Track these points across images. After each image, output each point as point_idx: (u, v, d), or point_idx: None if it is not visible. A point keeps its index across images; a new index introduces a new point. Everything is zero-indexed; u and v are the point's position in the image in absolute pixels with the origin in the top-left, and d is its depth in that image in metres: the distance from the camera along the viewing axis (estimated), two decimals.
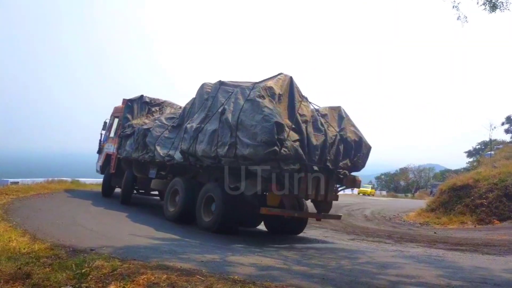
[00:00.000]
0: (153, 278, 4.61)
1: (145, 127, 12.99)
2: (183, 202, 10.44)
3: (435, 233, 14.27)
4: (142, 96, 14.68)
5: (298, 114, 8.77)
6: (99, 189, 16.57)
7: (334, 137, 9.32)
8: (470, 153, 67.14)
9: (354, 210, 20.78)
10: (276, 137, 8.04)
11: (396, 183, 73.47)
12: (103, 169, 15.89)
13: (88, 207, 12.12)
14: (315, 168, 8.87)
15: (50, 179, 18.29)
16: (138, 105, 14.54)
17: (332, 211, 10.49)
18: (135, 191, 14.46)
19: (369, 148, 10.08)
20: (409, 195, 56.61)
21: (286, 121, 8.46)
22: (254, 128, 8.33)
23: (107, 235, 8.07)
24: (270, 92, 8.68)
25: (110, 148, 15.26)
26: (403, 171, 73.48)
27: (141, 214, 11.96)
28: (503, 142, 52.60)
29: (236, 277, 4.94)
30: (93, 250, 6.13)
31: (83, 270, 4.88)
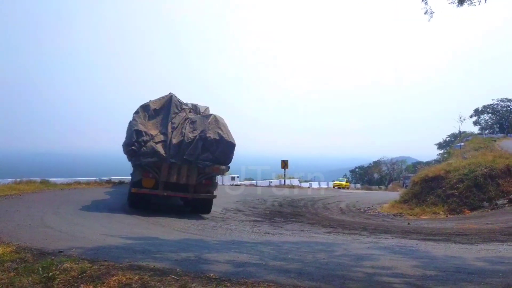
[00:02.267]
0: (124, 279, 4.44)
1: None
2: (129, 188, 13.20)
3: (408, 224, 14.52)
4: None
5: (170, 122, 12.64)
6: (70, 189, 16.50)
7: (193, 137, 12.33)
8: (440, 145, 69.12)
9: (330, 203, 20.93)
10: (134, 140, 11.79)
11: (370, 176, 74.79)
12: None
13: (58, 208, 11.69)
14: (172, 160, 11.99)
15: (18, 179, 17.60)
16: None
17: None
18: None
19: (231, 144, 12.58)
20: (383, 187, 57.63)
21: (160, 128, 12.46)
22: (126, 134, 12.26)
23: (78, 236, 7.78)
24: (146, 109, 12.67)
25: None
26: (377, 164, 74.86)
27: (115, 213, 11.69)
28: (472, 134, 54.31)
29: (211, 275, 4.82)
30: (61, 252, 5.87)
31: (50, 274, 4.65)
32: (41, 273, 4.72)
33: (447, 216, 16.76)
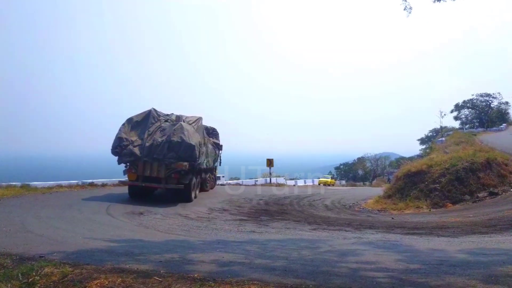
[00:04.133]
0: (107, 283, 4.37)
1: None
2: None
3: (392, 218, 14.67)
4: None
5: (147, 130, 16.00)
6: (51, 192, 16.39)
7: (162, 140, 15.42)
8: (422, 141, 70.08)
9: (315, 200, 21.00)
10: (117, 144, 15.36)
11: (354, 172, 75.46)
12: None
13: (39, 212, 11.45)
14: (145, 159, 15.22)
15: None
16: None
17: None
18: None
19: (190, 145, 15.29)
20: (367, 183, 58.24)
21: (139, 135, 15.90)
22: (113, 140, 15.61)
23: (59, 240, 7.63)
24: (130, 121, 16.31)
25: None
26: (361, 160, 75.61)
27: (98, 216, 11.51)
28: (452, 129, 55.28)
29: (196, 275, 4.78)
30: (42, 256, 5.76)
31: (30, 279, 4.55)
32: (20, 279, 4.61)
33: (430, 210, 17.00)
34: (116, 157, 15.60)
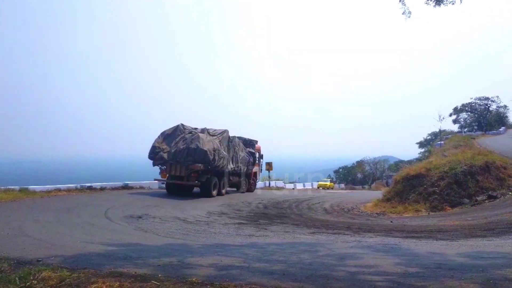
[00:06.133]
0: (104, 287, 4.36)
1: None
2: None
3: (391, 222, 14.66)
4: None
5: (174, 140, 20.28)
6: (50, 196, 16.40)
7: (183, 147, 19.58)
8: (421, 144, 70.15)
9: (314, 204, 20.99)
10: (153, 151, 20.04)
11: (353, 175, 75.45)
12: None
13: (37, 216, 11.41)
14: (171, 162, 19.53)
15: None
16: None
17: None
18: None
19: (203, 151, 18.98)
20: (366, 186, 58.21)
21: (168, 144, 20.25)
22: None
23: (57, 244, 7.60)
24: (163, 133, 20.84)
25: None
26: (360, 164, 75.66)
27: (97, 220, 11.48)
28: (451, 132, 55.36)
29: (194, 279, 4.77)
30: (40, 261, 5.74)
31: (27, 283, 4.55)
32: (18, 283, 4.60)
33: (428, 213, 16.99)
34: (151, 161, 20.15)
